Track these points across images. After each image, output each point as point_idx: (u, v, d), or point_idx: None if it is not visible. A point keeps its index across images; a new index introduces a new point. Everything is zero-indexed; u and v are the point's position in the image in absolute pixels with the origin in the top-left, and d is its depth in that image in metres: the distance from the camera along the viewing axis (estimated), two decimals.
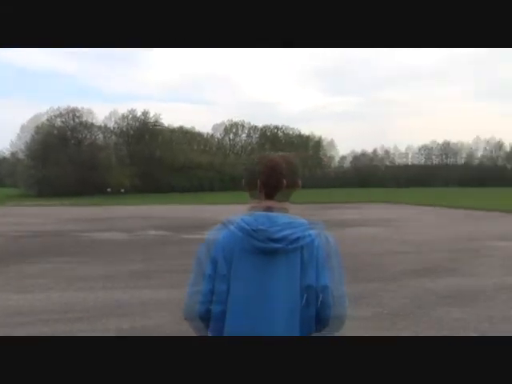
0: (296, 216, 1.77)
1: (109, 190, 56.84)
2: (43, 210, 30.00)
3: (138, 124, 71.03)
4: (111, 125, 71.55)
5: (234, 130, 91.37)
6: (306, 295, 1.65)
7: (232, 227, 1.73)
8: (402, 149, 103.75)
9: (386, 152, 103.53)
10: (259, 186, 1.78)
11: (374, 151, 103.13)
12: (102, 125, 69.64)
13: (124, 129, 71.68)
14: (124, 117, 71.85)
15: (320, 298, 1.66)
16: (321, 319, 1.68)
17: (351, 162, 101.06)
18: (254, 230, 1.68)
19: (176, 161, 68.00)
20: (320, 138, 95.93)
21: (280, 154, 1.87)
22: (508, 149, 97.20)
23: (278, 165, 1.78)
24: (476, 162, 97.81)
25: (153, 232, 17.36)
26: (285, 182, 1.78)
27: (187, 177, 67.96)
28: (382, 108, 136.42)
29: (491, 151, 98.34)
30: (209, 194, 55.24)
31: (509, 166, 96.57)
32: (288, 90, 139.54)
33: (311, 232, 1.70)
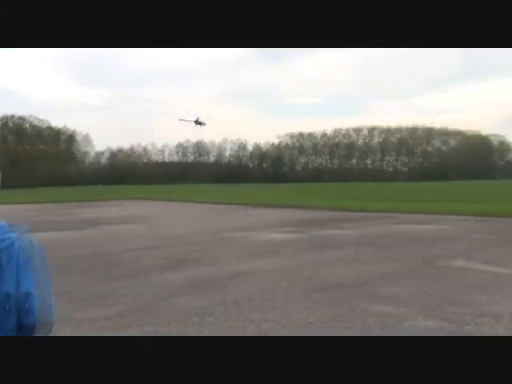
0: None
1: None
2: None
3: None
4: None
5: None
6: (6, 304, 1.45)
7: None
8: (159, 146, 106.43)
9: (144, 149, 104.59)
10: None
11: (132, 148, 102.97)
12: None
13: None
14: None
15: (23, 306, 1.48)
16: (24, 327, 1.51)
17: (108, 159, 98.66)
18: None
19: None
20: (73, 132, 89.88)
21: None
22: (251, 149, 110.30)
23: None
24: (225, 160, 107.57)
25: None
26: None
27: None
28: (136, 104, 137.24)
29: (237, 151, 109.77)
30: None
31: (251, 165, 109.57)
32: (36, 76, 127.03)
33: (11, 235, 1.48)
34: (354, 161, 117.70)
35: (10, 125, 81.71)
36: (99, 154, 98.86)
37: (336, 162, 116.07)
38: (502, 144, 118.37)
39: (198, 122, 67.31)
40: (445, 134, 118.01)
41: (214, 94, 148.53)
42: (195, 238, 13.35)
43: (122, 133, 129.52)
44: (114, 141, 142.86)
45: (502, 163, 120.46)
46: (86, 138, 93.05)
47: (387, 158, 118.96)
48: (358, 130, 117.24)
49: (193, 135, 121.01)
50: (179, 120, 68.47)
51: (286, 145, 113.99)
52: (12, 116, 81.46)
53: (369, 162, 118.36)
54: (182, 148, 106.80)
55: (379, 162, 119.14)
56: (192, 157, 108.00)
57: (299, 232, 14.49)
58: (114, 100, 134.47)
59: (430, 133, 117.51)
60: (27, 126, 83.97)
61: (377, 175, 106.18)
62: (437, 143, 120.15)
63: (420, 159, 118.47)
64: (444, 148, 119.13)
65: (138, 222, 18.34)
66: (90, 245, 12.36)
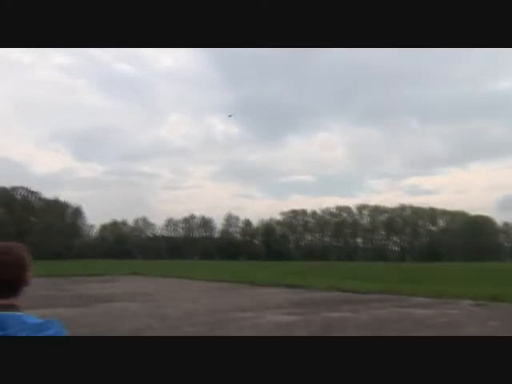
0: (29, 315, 1.65)
1: None
2: None
3: None
4: None
5: None
6: None
7: None
8: (162, 221, 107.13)
9: (146, 223, 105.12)
10: None
11: (135, 221, 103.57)
12: None
13: None
14: None
15: None
16: None
17: (101, 231, 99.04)
18: None
19: None
20: (73, 205, 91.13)
21: (1, 244, 1.73)
22: (242, 225, 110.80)
23: (4, 257, 1.67)
24: (226, 236, 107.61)
25: None
26: (9, 277, 1.67)
27: None
28: (138, 179, 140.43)
29: (233, 227, 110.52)
30: None
31: (256, 241, 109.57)
32: (32, 150, 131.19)
33: (62, 331, 1.66)
34: (358, 239, 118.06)
35: (18, 197, 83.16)
36: (101, 228, 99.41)
37: (341, 240, 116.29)
38: (507, 225, 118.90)
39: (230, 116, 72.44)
40: (444, 214, 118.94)
41: (208, 170, 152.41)
42: (201, 319, 13.25)
43: (124, 206, 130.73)
44: (114, 214, 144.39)
45: (507, 244, 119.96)
46: (85, 211, 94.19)
47: (393, 237, 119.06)
48: (362, 209, 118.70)
49: (192, 210, 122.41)
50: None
51: (283, 222, 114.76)
52: (19, 188, 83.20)
53: (360, 240, 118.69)
54: (187, 223, 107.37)
55: (384, 241, 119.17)
56: (197, 232, 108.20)
57: (303, 314, 14.38)
58: (110, 174, 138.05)
59: (432, 213, 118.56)
60: (34, 198, 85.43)
61: (379, 254, 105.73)
62: (428, 224, 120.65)
63: (425, 238, 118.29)
64: (443, 228, 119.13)
65: (143, 300, 18.22)
66: (97, 323, 12.29)
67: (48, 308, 14.54)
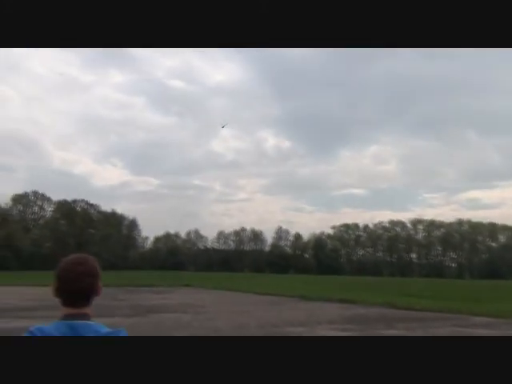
0: (100, 324, 1.71)
1: None
2: None
3: None
4: None
5: (31, 202, 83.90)
6: None
7: None
8: (210, 233, 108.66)
9: (199, 235, 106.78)
10: (59, 291, 1.73)
11: (188, 234, 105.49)
12: None
13: None
14: None
15: None
16: None
17: (154, 243, 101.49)
18: None
19: None
20: (129, 217, 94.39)
21: (77, 255, 1.81)
22: (293, 239, 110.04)
23: (80, 268, 1.74)
24: (278, 250, 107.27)
25: None
26: (84, 286, 1.73)
27: None
28: (191, 192, 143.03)
29: (283, 240, 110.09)
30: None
31: (306, 255, 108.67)
32: (93, 164, 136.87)
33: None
34: (413, 255, 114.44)
35: (79, 209, 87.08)
36: (155, 240, 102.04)
37: (395, 255, 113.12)
38: None
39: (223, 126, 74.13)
40: (505, 229, 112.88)
41: (259, 183, 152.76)
42: (252, 332, 13.22)
43: (177, 219, 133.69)
44: (168, 226, 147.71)
45: None
46: (141, 224, 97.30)
47: (449, 253, 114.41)
48: (416, 223, 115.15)
49: (243, 223, 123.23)
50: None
51: (334, 236, 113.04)
52: (80, 201, 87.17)
53: (414, 255, 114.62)
54: (238, 236, 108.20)
55: (440, 257, 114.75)
56: (248, 245, 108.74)
57: (357, 331, 14.01)
58: (163, 187, 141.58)
59: (492, 228, 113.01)
60: (93, 210, 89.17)
61: (435, 270, 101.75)
62: (488, 239, 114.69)
63: (484, 255, 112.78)
64: (504, 244, 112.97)
65: (195, 312, 18.44)
66: (150, 334, 12.54)
67: (105, 317, 15.00)
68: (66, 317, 1.68)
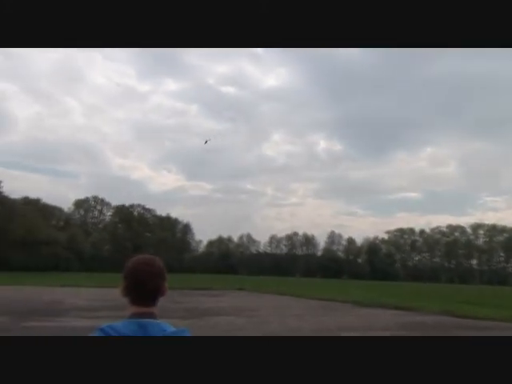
0: (166, 323, 1.78)
1: None
2: None
3: None
4: None
5: (92, 207, 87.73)
6: None
7: (113, 335, 1.68)
8: (262, 237, 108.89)
9: (251, 239, 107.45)
10: (128, 291, 1.79)
11: (240, 238, 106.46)
12: None
13: None
14: None
15: None
16: None
17: (208, 247, 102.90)
18: None
19: (25, 235, 61.35)
20: (183, 222, 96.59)
21: (145, 256, 1.87)
22: (345, 243, 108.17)
23: (150, 268, 1.80)
24: (330, 254, 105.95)
25: None
26: (153, 286, 1.80)
27: (37, 253, 61.81)
28: (243, 197, 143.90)
29: (337, 245, 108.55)
30: (60, 274, 50.76)
31: (360, 260, 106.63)
32: (149, 170, 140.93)
33: None
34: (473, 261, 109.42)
35: (136, 214, 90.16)
36: (208, 244, 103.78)
37: (453, 261, 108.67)
38: None
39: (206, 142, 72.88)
40: None
41: (311, 187, 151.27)
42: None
43: (230, 223, 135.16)
44: (221, 230, 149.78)
45: None
46: (195, 228, 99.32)
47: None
48: (477, 228, 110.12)
49: (295, 228, 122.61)
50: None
51: (388, 240, 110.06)
52: (137, 205, 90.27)
53: (474, 262, 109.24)
54: (290, 240, 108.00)
55: (503, 264, 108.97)
56: (300, 249, 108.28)
57: None
58: (216, 192, 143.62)
59: None
60: (149, 215, 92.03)
61: (498, 278, 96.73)
62: None
63: None
64: None
65: (248, 315, 18.61)
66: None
67: (163, 318, 15.44)
68: (135, 315, 1.74)
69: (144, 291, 1.77)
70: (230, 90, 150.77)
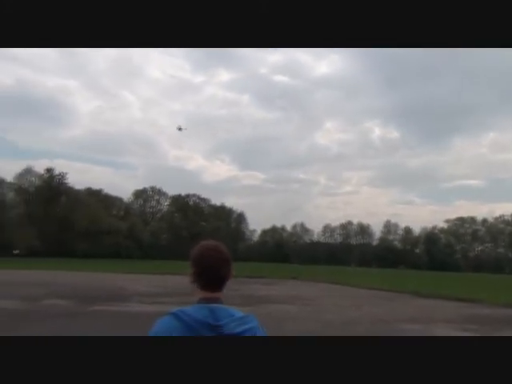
0: (233, 308, 1.80)
1: (14, 251, 52.56)
2: None
3: (45, 183, 67.39)
4: (22, 182, 67.56)
5: (150, 197, 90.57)
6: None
7: (185, 319, 1.69)
8: (319, 227, 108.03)
9: (304, 229, 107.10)
10: (197, 276, 1.81)
11: (293, 227, 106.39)
12: (12, 182, 65.48)
13: (25, 186, 67.70)
14: (31, 174, 68.41)
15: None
16: None
17: (269, 237, 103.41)
18: (211, 325, 1.68)
19: (88, 224, 64.53)
20: (237, 211, 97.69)
21: (211, 242, 1.88)
22: (401, 233, 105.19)
23: (219, 255, 1.83)
24: (386, 244, 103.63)
25: (56, 301, 15.83)
26: (223, 272, 1.82)
27: (99, 242, 64.84)
28: (295, 186, 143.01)
29: (392, 234, 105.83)
30: (121, 261, 52.91)
31: (417, 250, 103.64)
32: (203, 160, 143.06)
33: (258, 325, 1.82)
34: None
35: (191, 203, 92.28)
36: (262, 233, 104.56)
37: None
38: None
39: (179, 129, 70.26)
40: None
41: (365, 176, 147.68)
42: (364, 328, 12.95)
43: (283, 212, 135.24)
44: (274, 220, 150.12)
45: None
46: (249, 217, 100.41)
47: None
48: None
49: (349, 217, 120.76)
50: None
51: (448, 230, 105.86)
52: (187, 195, 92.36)
53: None
54: (344, 229, 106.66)
55: None
56: (354, 239, 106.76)
57: (479, 331, 13.00)
58: (269, 181, 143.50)
59: None
60: (204, 204, 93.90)
61: None
62: None
63: None
64: None
65: (303, 304, 18.55)
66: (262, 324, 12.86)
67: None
68: (204, 300, 1.76)
69: (214, 277, 1.80)
70: (282, 78, 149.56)
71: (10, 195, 66.89)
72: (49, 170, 68.54)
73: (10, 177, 66.34)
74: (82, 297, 17.42)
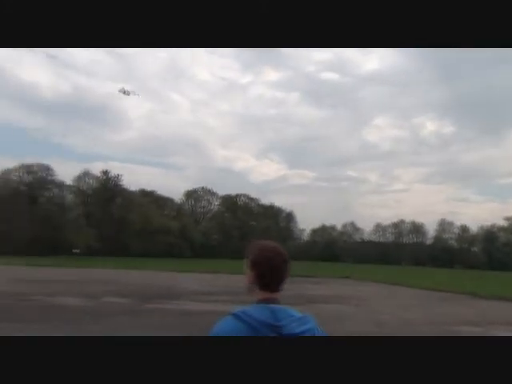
0: (292, 308, 1.80)
1: (74, 250, 55.10)
2: None
3: (101, 185, 70.23)
4: (80, 184, 70.77)
5: (200, 197, 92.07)
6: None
7: (247, 320, 1.69)
8: (370, 226, 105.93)
9: (355, 228, 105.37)
10: (259, 277, 1.80)
11: (343, 226, 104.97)
12: (70, 184, 68.81)
13: (89, 189, 70.80)
14: (88, 176, 71.40)
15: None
16: None
17: (319, 236, 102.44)
18: (272, 325, 1.69)
19: (142, 224, 66.74)
20: (286, 210, 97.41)
21: (269, 242, 1.89)
22: (457, 231, 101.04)
23: (280, 255, 1.83)
24: (441, 243, 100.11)
25: (114, 299, 16.47)
26: (283, 273, 1.83)
27: (152, 241, 66.79)
28: (345, 184, 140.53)
29: (447, 232, 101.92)
30: (173, 261, 54.14)
31: (475, 249, 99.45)
32: (252, 160, 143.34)
33: (316, 326, 1.81)
34: None
35: (232, 202, 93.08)
36: (311, 232, 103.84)
37: None
38: None
39: (124, 92, 67.17)
40: None
41: (418, 172, 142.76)
42: (422, 330, 12.60)
43: (333, 211, 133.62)
44: (324, 219, 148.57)
45: None
46: (298, 216, 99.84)
47: None
48: None
49: (401, 215, 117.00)
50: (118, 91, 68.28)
51: (508, 228, 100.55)
52: (236, 195, 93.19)
53: None
54: (396, 228, 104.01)
55: None
56: (407, 237, 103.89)
57: None
58: (318, 180, 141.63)
59: None
60: (253, 204, 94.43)
61: None
62: None
63: None
64: None
65: (356, 304, 18.29)
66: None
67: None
68: (263, 300, 1.77)
69: (275, 278, 1.80)
70: (330, 76, 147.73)
71: (69, 197, 70.17)
72: (105, 173, 71.33)
73: (68, 179, 69.60)
74: (139, 295, 18.01)
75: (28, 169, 64.18)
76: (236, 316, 1.69)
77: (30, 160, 77.70)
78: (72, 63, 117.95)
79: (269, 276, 1.79)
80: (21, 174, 64.31)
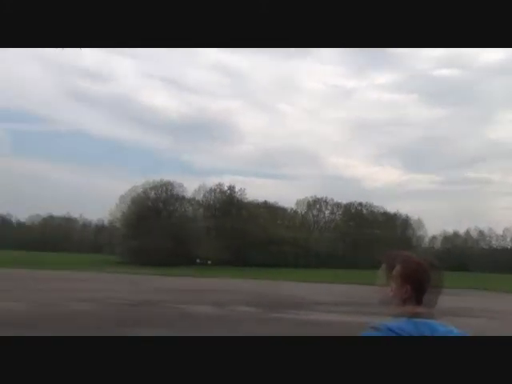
0: (438, 321, 1.75)
1: (198, 261, 58.80)
2: (135, 278, 31.18)
3: (224, 198, 73.85)
4: (199, 198, 75.27)
5: (317, 206, 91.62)
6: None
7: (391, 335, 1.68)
8: (499, 231, 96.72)
9: (481, 233, 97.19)
10: (409, 290, 1.77)
11: (467, 232, 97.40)
12: (192, 198, 73.56)
13: (211, 202, 74.85)
14: (211, 190, 75.47)
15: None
16: None
17: (442, 243, 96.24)
18: None
19: (261, 235, 68.81)
20: (407, 217, 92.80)
21: (414, 255, 1.88)
22: None
23: (427, 269, 1.82)
24: None
25: (243, 308, 17.15)
26: (428, 285, 1.81)
27: (272, 252, 68.30)
28: (468, 187, 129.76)
29: None
30: (295, 271, 54.74)
31: None
32: (366, 166, 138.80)
33: (450, 329, 1.75)
34: None
35: (352, 211, 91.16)
36: (433, 239, 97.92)
37: None
38: None
39: None
40: None
41: None
42: None
43: (455, 216, 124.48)
44: (446, 225, 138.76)
45: None
46: (418, 223, 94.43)
47: None
48: None
49: None
50: None
51: None
52: (353, 203, 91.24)
53: None
54: None
55: None
56: None
57: None
58: (440, 183, 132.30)
59: None
60: (365, 211, 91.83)
61: None
62: None
63: None
64: None
65: (493, 317, 16.90)
66: None
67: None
68: (408, 314, 1.71)
69: (421, 292, 1.78)
70: (445, 72, 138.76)
71: (190, 210, 74.94)
72: (230, 187, 75.26)
73: (188, 193, 74.42)
74: (266, 304, 18.53)
75: (159, 186, 70.24)
76: (378, 330, 1.67)
77: (157, 177, 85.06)
78: (184, 83, 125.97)
79: (417, 290, 1.77)
80: (154, 191, 70.50)
